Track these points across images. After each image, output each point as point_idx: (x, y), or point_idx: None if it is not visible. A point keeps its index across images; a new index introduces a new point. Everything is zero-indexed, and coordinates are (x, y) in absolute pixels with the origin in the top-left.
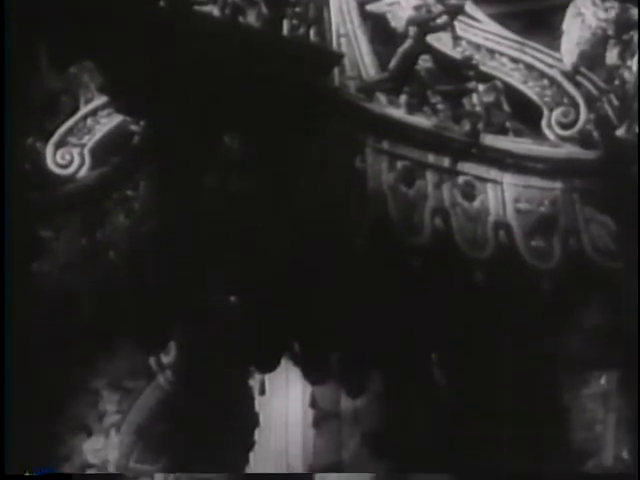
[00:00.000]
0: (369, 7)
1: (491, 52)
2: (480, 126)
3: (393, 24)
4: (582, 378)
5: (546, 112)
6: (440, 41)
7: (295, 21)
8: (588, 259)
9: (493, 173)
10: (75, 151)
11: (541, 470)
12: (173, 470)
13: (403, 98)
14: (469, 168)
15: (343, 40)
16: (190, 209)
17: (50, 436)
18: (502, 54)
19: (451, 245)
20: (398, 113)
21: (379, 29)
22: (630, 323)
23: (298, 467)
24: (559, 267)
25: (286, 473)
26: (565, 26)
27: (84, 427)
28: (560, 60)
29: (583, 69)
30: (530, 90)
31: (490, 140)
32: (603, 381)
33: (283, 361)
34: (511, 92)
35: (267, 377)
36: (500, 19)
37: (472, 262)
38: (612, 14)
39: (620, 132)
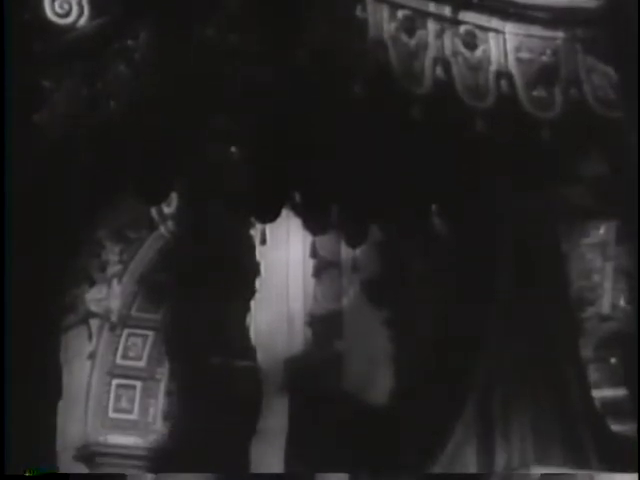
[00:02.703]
0: None
1: None
2: None
3: None
4: (581, 228)
5: None
6: None
7: None
8: (589, 109)
9: (495, 22)
10: (73, 0)
11: None
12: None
13: None
14: (470, 17)
15: None
16: (191, 60)
17: (54, 287)
18: None
19: (452, 94)
20: None
21: None
22: (629, 173)
23: (299, 315)
24: (560, 117)
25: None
26: None
27: (87, 277)
28: None
29: None
30: None
31: None
32: (602, 231)
33: (284, 211)
34: None
35: (268, 227)
36: None
37: (473, 111)
38: None
39: None
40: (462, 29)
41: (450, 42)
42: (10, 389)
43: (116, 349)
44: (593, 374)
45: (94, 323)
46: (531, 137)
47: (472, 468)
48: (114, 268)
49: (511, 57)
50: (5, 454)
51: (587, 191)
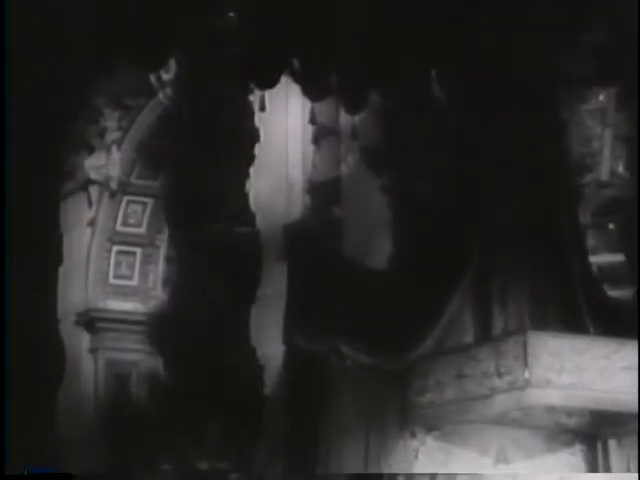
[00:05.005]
0: None
1: None
2: None
3: None
4: (580, 95)
5: None
6: None
7: None
8: None
9: None
10: None
11: None
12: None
13: None
14: None
15: None
16: None
17: (52, 154)
18: None
19: None
20: None
21: None
22: (629, 41)
23: (298, 181)
24: None
25: None
26: None
27: (85, 144)
28: None
29: None
30: None
31: None
32: (601, 97)
33: (283, 78)
34: None
35: (267, 93)
36: None
37: None
38: None
39: None
40: None
41: None
42: (11, 254)
43: (116, 216)
44: (591, 240)
45: (94, 190)
46: (531, 4)
47: (469, 332)
48: (113, 135)
49: None
50: (5, 454)
51: (586, 58)
